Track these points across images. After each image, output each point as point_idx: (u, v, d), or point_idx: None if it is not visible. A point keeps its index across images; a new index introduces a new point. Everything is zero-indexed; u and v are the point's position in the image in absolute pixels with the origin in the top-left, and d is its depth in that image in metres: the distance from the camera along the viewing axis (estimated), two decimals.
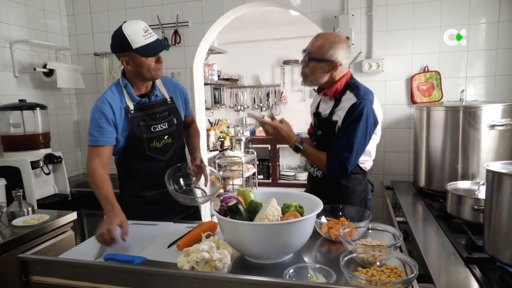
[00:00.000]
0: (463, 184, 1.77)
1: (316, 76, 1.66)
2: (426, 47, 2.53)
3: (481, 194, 1.61)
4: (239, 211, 1.27)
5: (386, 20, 2.56)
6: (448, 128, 2.05)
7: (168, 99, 1.76)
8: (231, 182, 5.16)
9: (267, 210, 1.26)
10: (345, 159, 1.59)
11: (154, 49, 1.58)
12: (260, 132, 5.98)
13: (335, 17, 2.58)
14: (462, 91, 2.16)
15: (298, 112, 6.19)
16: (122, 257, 1.28)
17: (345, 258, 1.12)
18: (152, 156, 1.73)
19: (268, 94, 6.24)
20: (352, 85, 1.66)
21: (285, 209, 1.35)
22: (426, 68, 2.52)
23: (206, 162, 3.08)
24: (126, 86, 1.66)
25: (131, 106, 1.66)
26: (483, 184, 1.62)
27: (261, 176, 5.89)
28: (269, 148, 5.89)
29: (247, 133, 5.95)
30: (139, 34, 1.55)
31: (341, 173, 1.63)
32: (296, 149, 1.69)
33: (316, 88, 1.81)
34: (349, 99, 1.61)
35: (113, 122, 1.62)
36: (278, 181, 5.92)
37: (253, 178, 5.28)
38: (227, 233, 1.27)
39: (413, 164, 2.39)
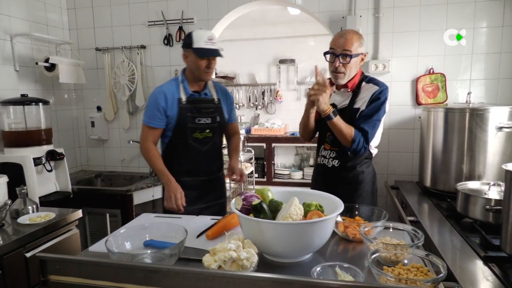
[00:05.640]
0: (473, 185, 1.80)
1: (352, 71, 1.78)
2: (431, 49, 2.57)
3: (492, 194, 1.65)
4: (264, 210, 1.27)
5: (393, 22, 2.59)
6: (455, 129, 2.09)
7: (216, 100, 2.06)
8: (227, 181, 5.13)
9: (291, 209, 1.26)
10: (367, 134, 1.73)
11: (206, 52, 1.88)
12: (255, 131, 5.98)
13: (343, 17, 2.60)
14: (468, 94, 2.20)
15: (293, 111, 6.20)
16: (160, 244, 1.28)
17: (372, 257, 1.13)
18: (193, 145, 1.99)
19: (263, 93, 6.23)
20: (367, 78, 1.84)
21: (305, 208, 1.35)
22: (432, 70, 2.56)
23: None
24: (183, 81, 1.98)
25: (184, 98, 1.96)
26: (493, 184, 1.67)
27: (256, 175, 5.89)
28: (265, 147, 5.88)
29: (243, 131, 5.92)
30: (203, 39, 1.87)
31: (363, 146, 1.74)
32: (329, 117, 1.69)
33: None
34: (370, 88, 1.79)
35: (164, 110, 1.92)
36: (273, 180, 5.92)
37: (250, 177, 5.27)
38: (248, 232, 1.27)
39: (419, 164, 2.42)
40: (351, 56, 1.72)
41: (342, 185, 1.79)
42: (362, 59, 1.81)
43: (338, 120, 1.70)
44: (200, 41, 1.87)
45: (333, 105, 1.83)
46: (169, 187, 1.88)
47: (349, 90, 1.83)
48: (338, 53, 1.74)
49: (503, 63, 2.46)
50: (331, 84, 1.86)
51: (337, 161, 1.85)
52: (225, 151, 2.26)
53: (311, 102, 1.70)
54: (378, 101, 1.74)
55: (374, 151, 1.90)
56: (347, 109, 1.80)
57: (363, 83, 1.81)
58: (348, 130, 1.72)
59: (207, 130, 2.01)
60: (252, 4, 2.79)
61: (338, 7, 2.64)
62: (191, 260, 1.28)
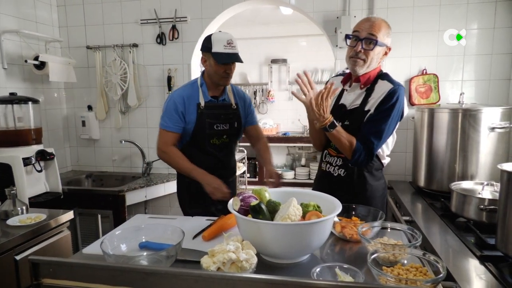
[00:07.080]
0: (466, 184, 1.82)
1: (373, 62, 1.59)
2: (424, 50, 2.59)
3: (485, 194, 1.67)
4: (262, 211, 1.26)
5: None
6: (448, 129, 2.11)
7: (234, 105, 2.00)
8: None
9: (289, 210, 1.25)
10: (373, 145, 1.55)
11: (225, 58, 1.80)
12: None
13: (337, 17, 2.60)
14: (461, 94, 2.23)
15: (285, 111, 6.21)
16: (156, 245, 1.26)
17: (372, 257, 1.13)
18: (210, 151, 1.96)
19: (255, 93, 6.22)
20: (383, 75, 1.64)
21: (303, 208, 1.35)
22: (424, 71, 2.59)
23: None
24: (202, 85, 1.93)
25: (202, 103, 1.91)
26: (487, 184, 1.69)
27: (248, 175, 5.88)
28: None
29: None
30: (222, 42, 1.80)
31: (366, 159, 1.58)
32: (327, 128, 1.53)
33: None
34: (383, 86, 1.59)
35: (182, 114, 1.88)
36: (265, 180, 5.91)
37: (242, 177, 5.25)
38: (247, 233, 1.25)
39: (412, 164, 2.44)
40: (376, 42, 1.53)
41: (348, 197, 1.55)
42: (386, 53, 1.61)
43: (340, 129, 1.55)
44: (219, 45, 1.79)
45: (342, 105, 1.69)
46: (208, 181, 1.82)
47: (362, 86, 1.63)
48: (362, 36, 1.54)
49: (494, 64, 2.49)
50: (347, 78, 1.71)
51: (343, 170, 1.67)
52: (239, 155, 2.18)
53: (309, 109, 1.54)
54: (389, 103, 1.54)
55: (386, 160, 1.72)
56: (358, 110, 1.61)
57: (379, 80, 1.62)
58: (348, 141, 1.55)
59: (225, 136, 1.97)
60: (246, 3, 2.77)
61: (332, 7, 2.65)
62: (188, 262, 1.26)
